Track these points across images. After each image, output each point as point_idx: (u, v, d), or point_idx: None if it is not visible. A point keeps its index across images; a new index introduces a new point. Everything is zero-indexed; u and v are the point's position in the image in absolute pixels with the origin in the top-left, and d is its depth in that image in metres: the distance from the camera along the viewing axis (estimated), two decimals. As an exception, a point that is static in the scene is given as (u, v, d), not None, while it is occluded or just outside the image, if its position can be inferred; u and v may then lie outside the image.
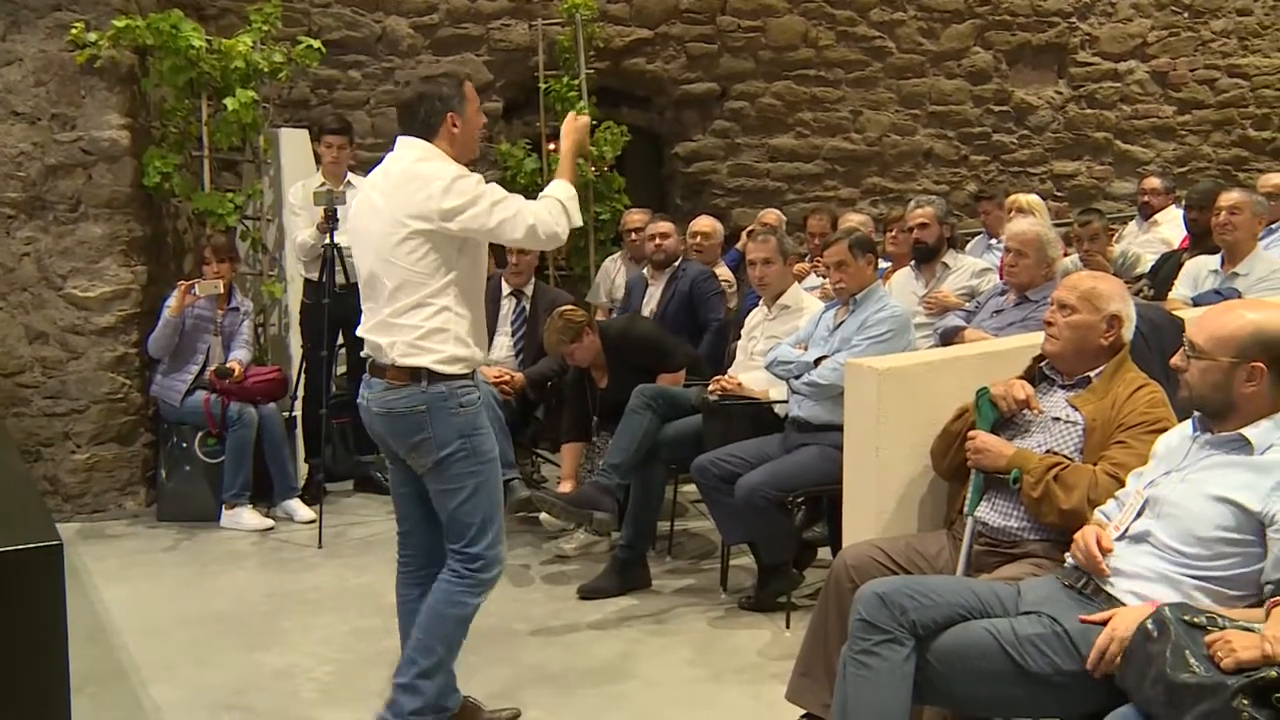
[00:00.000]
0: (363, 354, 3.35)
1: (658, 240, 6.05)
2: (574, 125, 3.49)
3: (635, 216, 6.88)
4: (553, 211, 3.24)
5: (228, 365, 5.88)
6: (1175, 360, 2.70)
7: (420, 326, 3.17)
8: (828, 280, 4.97)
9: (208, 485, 5.91)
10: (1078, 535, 2.78)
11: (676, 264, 6.01)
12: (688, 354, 5.38)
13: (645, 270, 6.16)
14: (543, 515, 5.34)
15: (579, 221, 3.36)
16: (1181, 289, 5.24)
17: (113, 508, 6.11)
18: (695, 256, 6.30)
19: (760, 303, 5.20)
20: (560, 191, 3.31)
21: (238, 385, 5.85)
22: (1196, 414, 2.71)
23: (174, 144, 6.32)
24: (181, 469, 5.95)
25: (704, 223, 6.65)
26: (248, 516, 5.80)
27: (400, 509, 3.48)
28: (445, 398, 3.17)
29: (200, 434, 5.91)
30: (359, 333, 3.34)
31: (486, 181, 3.25)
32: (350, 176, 6.16)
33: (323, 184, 6.00)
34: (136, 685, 3.95)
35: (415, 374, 3.17)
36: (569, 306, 5.38)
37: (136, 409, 6.15)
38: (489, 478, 3.26)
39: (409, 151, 3.25)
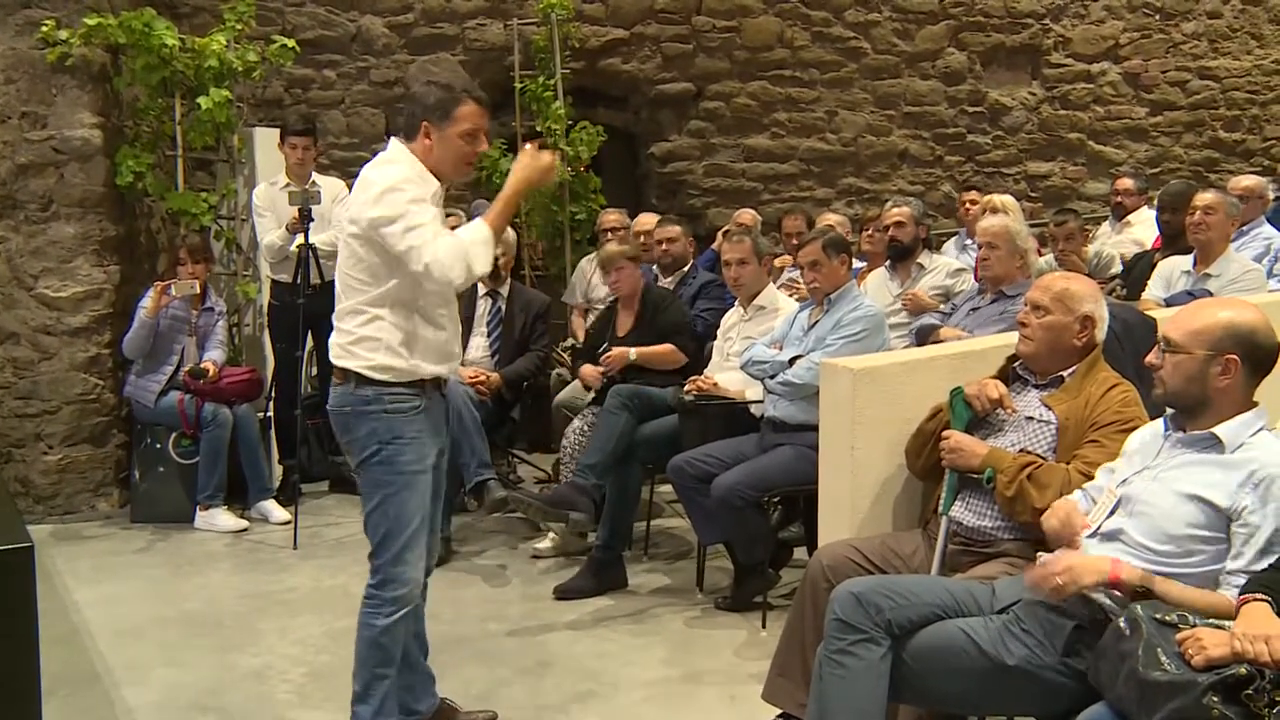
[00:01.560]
0: None
1: (665, 245, 6.10)
2: (532, 165, 3.20)
3: (611, 216, 6.88)
4: (455, 254, 3.01)
5: (202, 366, 5.85)
6: (1150, 358, 2.72)
7: (353, 333, 3.11)
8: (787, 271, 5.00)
9: (181, 486, 5.88)
10: (1056, 504, 2.81)
11: (686, 269, 6.06)
12: (690, 349, 5.43)
13: (654, 271, 6.23)
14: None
15: (484, 269, 3.13)
16: (1154, 290, 5.28)
17: (85, 509, 6.06)
18: (666, 263, 6.30)
19: (736, 303, 5.21)
20: (475, 234, 3.09)
21: (212, 386, 5.82)
22: (1169, 412, 2.74)
23: (147, 143, 6.28)
24: (155, 470, 5.91)
25: (673, 229, 6.54)
26: (222, 517, 5.77)
27: None
28: (369, 400, 3.09)
29: (174, 435, 5.87)
30: None
31: (434, 196, 3.11)
32: (316, 176, 6.13)
33: (287, 184, 5.98)
34: (109, 687, 3.92)
35: (346, 375, 3.13)
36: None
37: (109, 410, 6.10)
38: (400, 492, 3.11)
39: (385, 152, 3.18)
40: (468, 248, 3.05)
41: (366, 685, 3.20)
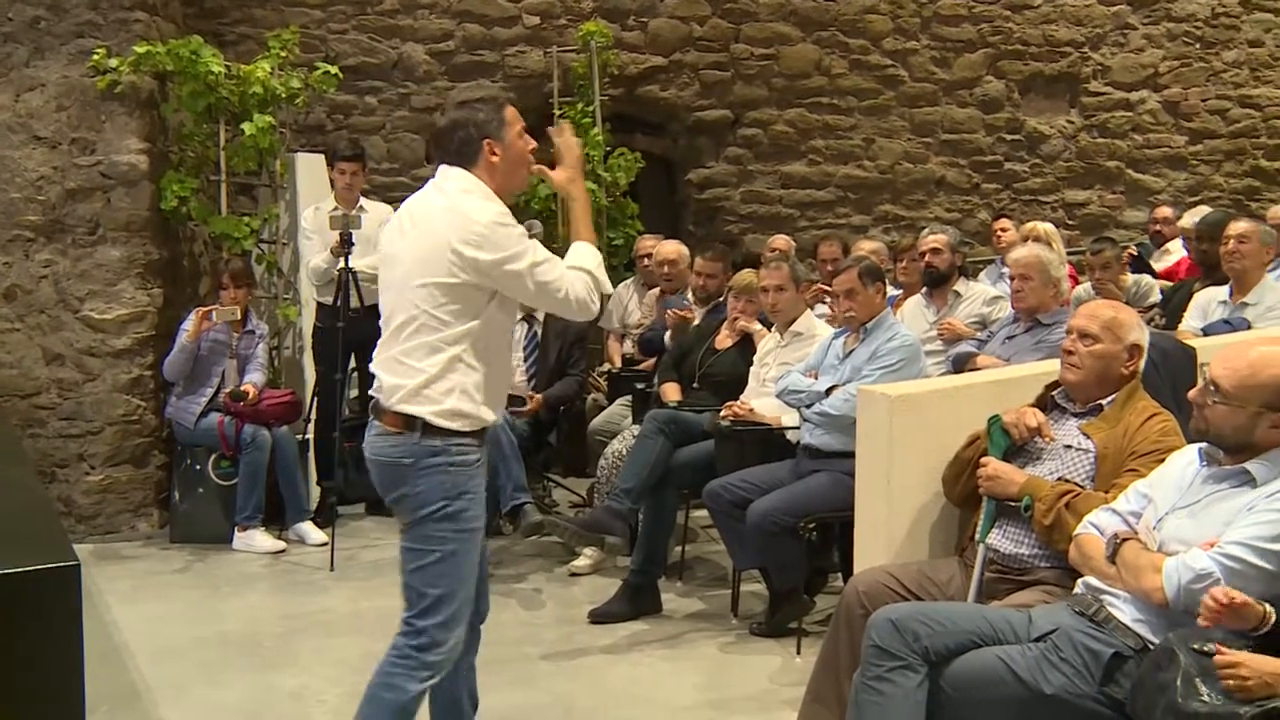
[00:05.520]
0: (371, 390, 3.02)
1: (703, 280, 6.13)
2: (574, 152, 3.09)
3: (648, 242, 6.92)
4: (587, 285, 2.94)
5: (242, 388, 5.91)
6: (1194, 395, 2.70)
7: (425, 371, 2.82)
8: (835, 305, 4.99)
9: (220, 507, 5.93)
10: (1081, 540, 2.81)
11: (720, 298, 6.10)
12: None
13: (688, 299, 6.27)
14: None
15: (610, 289, 3.10)
16: (1191, 320, 5.24)
17: (126, 529, 6.13)
18: (665, 285, 6.28)
19: (773, 329, 5.22)
20: (589, 261, 2.98)
21: (252, 408, 5.88)
22: (1203, 445, 2.72)
23: (191, 168, 6.38)
24: (195, 491, 5.97)
25: (670, 248, 6.57)
26: (260, 539, 5.82)
27: None
28: (436, 453, 2.82)
29: (214, 456, 5.93)
30: (371, 364, 3.03)
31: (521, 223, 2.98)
32: (363, 201, 6.21)
33: (336, 208, 6.05)
34: (149, 706, 3.96)
35: (410, 422, 2.82)
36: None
37: (151, 431, 6.18)
38: (462, 549, 2.87)
39: (451, 182, 2.93)
40: (593, 273, 2.97)
41: None
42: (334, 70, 6.72)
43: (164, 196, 6.12)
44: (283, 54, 6.57)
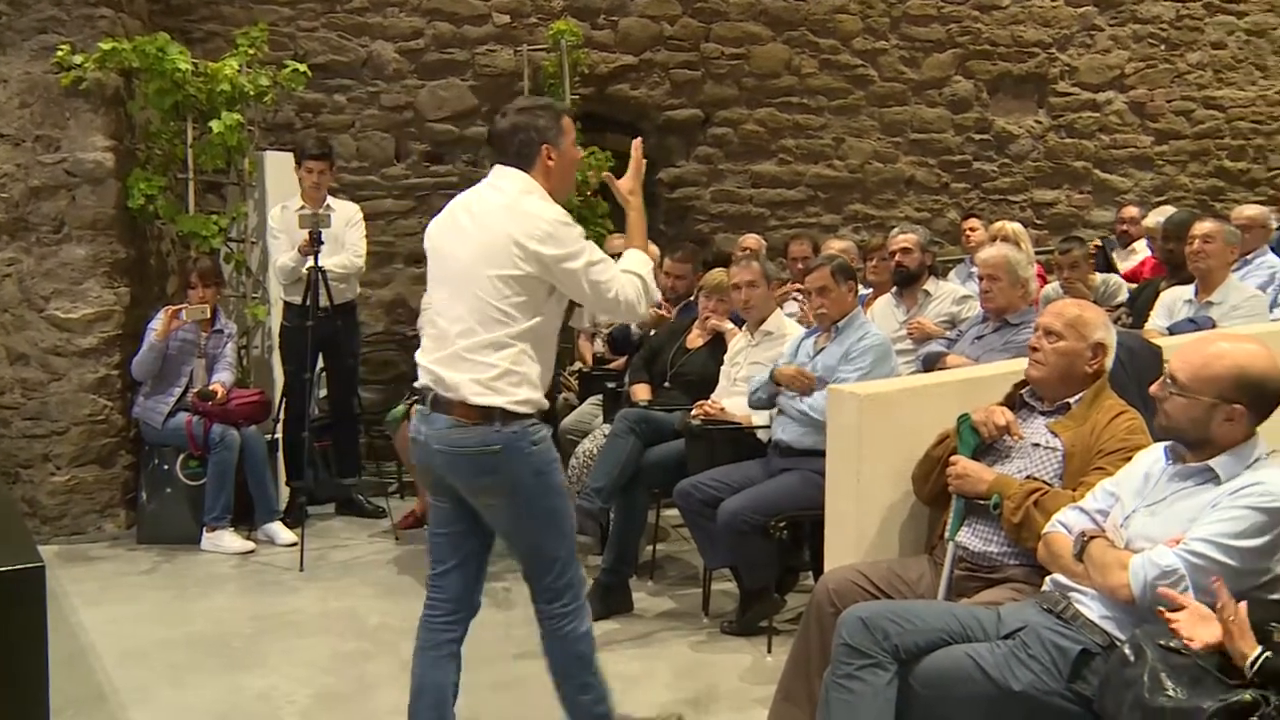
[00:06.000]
0: (418, 384, 3.16)
1: (672, 281, 6.18)
2: (639, 168, 3.34)
3: (618, 242, 6.90)
4: (637, 290, 3.13)
5: (210, 388, 5.87)
6: (1155, 389, 2.73)
7: (496, 366, 2.99)
8: (806, 304, 5.02)
9: (188, 508, 5.89)
10: (1049, 538, 2.83)
11: (691, 298, 6.12)
12: None
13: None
14: None
15: (657, 296, 3.27)
16: (1157, 319, 5.29)
17: (92, 530, 6.08)
18: None
19: (744, 328, 5.23)
20: (641, 267, 3.18)
21: (220, 408, 5.84)
22: (1168, 443, 2.75)
23: (159, 166, 6.33)
24: (162, 491, 5.93)
25: (616, 242, 6.48)
26: (229, 539, 5.78)
27: (437, 552, 3.26)
28: (519, 437, 3.00)
29: (182, 456, 5.90)
30: (418, 358, 3.17)
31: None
32: (330, 200, 6.19)
33: (302, 207, 6.02)
34: (115, 709, 3.93)
35: (488, 413, 2.99)
36: None
37: (117, 431, 6.13)
38: (562, 510, 3.14)
39: (508, 182, 3.10)
40: (644, 278, 3.16)
41: (595, 689, 3.25)
42: (303, 68, 6.68)
43: (131, 195, 6.07)
44: (251, 51, 6.52)
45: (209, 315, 5.92)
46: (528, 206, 3.03)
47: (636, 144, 3.40)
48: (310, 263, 5.76)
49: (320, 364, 6.25)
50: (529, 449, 3.03)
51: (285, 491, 6.33)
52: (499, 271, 2.99)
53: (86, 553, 5.82)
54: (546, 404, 3.14)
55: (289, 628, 4.74)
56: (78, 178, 5.98)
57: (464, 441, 3.02)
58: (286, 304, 6.23)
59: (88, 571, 5.52)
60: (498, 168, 3.16)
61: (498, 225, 3.02)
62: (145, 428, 5.95)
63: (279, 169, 6.53)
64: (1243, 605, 2.30)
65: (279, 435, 6.23)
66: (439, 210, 3.29)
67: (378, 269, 7.67)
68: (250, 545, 5.80)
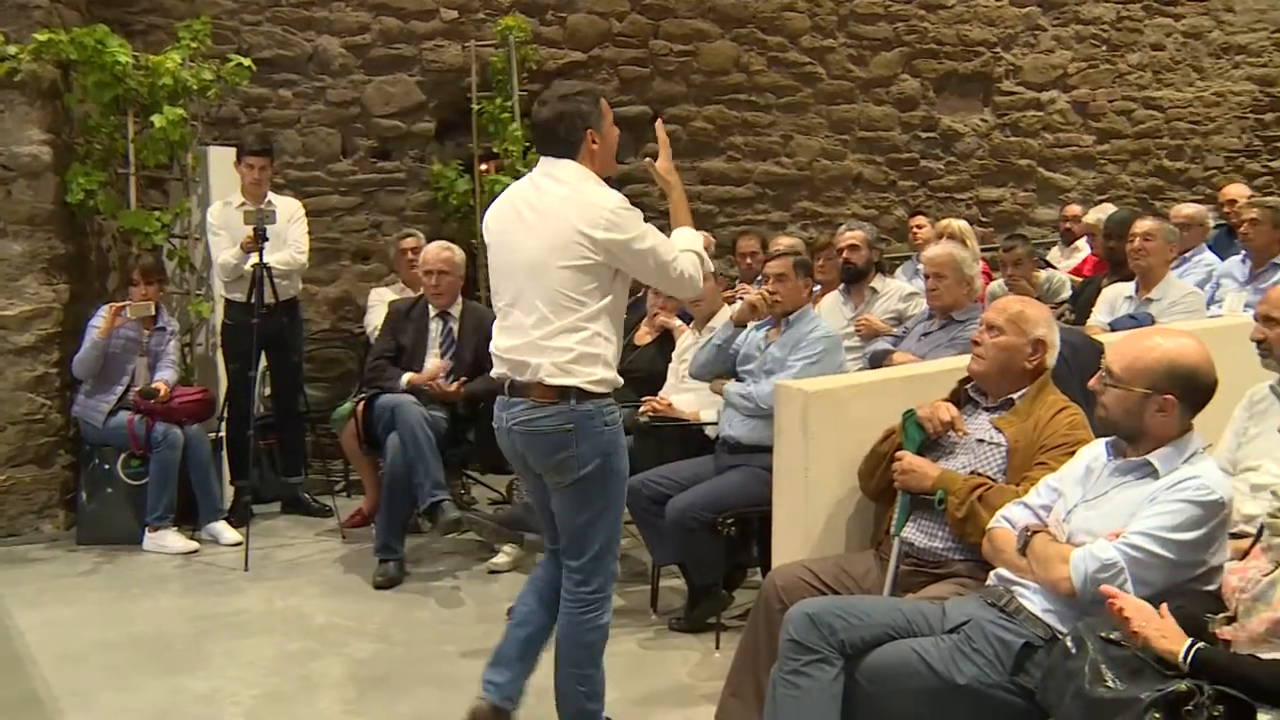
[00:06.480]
0: (494, 373, 3.29)
1: None
2: (668, 147, 3.44)
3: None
4: (695, 265, 3.25)
5: (153, 386, 5.78)
6: (1092, 383, 2.78)
7: (572, 349, 3.12)
8: (752, 291, 4.97)
9: (130, 507, 5.80)
10: (993, 533, 2.86)
11: (639, 294, 6.09)
12: None
13: None
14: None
15: (710, 267, 3.38)
16: (1099, 315, 5.38)
17: (30, 531, 5.97)
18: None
19: (691, 325, 5.24)
20: (695, 243, 3.30)
21: (163, 406, 5.76)
22: (1111, 439, 2.79)
23: (99, 161, 6.22)
24: (103, 491, 5.83)
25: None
26: (172, 539, 5.70)
27: (549, 532, 3.43)
28: (592, 415, 3.14)
29: (123, 455, 5.80)
30: (493, 349, 3.28)
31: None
32: (271, 196, 6.11)
33: (244, 203, 5.95)
34: (53, 714, 3.85)
35: (564, 392, 3.12)
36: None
37: (56, 430, 6.02)
38: (615, 499, 3.26)
39: (564, 171, 3.20)
40: (701, 254, 3.29)
41: (592, 684, 3.33)
42: (247, 62, 6.59)
43: (69, 189, 5.96)
44: (194, 45, 6.43)
45: (153, 312, 5.83)
46: (589, 196, 3.14)
47: (660, 125, 3.51)
48: (254, 259, 5.69)
49: (264, 362, 6.18)
50: (600, 428, 3.15)
51: (230, 491, 6.25)
52: (569, 263, 3.11)
53: (24, 554, 5.70)
54: (620, 381, 3.26)
55: (233, 628, 4.68)
56: (13, 171, 5.86)
57: (540, 422, 3.15)
58: (229, 301, 6.15)
59: (25, 573, 5.41)
60: (547, 159, 3.25)
61: (563, 216, 3.13)
62: (85, 427, 5.85)
63: (223, 164, 6.44)
64: (1163, 607, 2.34)
65: (223, 434, 6.14)
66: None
67: (323, 265, 7.60)
68: (194, 545, 5.71)
